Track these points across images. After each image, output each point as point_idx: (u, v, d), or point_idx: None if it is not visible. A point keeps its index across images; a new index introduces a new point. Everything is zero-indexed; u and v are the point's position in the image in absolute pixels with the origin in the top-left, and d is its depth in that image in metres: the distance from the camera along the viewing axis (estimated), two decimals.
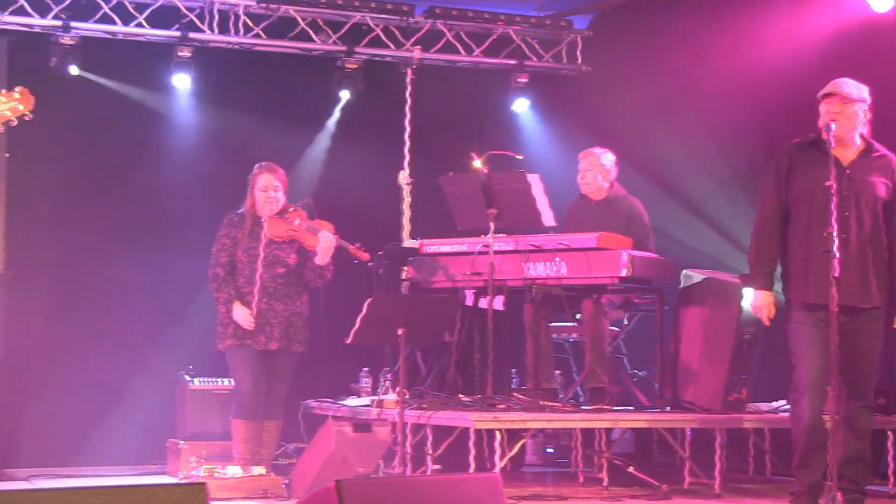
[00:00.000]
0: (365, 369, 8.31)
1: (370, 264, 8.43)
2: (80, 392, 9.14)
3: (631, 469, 7.37)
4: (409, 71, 8.84)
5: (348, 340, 7.15)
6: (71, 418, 9.09)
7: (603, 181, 8.17)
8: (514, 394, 7.80)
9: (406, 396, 7.15)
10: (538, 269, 7.77)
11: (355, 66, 9.88)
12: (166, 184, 9.55)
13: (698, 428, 7.55)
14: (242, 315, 7.35)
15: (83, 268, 9.36)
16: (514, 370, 8.39)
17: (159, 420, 8.97)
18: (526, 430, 7.37)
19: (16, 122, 4.47)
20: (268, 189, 7.44)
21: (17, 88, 4.45)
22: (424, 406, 7.32)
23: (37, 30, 9.17)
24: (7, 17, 8.99)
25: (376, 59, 10.03)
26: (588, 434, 7.99)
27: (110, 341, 9.25)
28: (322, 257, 7.43)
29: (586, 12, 10.46)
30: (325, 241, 7.40)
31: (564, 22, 10.47)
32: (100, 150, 9.47)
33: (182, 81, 9.48)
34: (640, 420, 7.70)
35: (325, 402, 8.20)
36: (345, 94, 9.97)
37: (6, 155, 9.18)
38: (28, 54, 9.21)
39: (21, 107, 4.45)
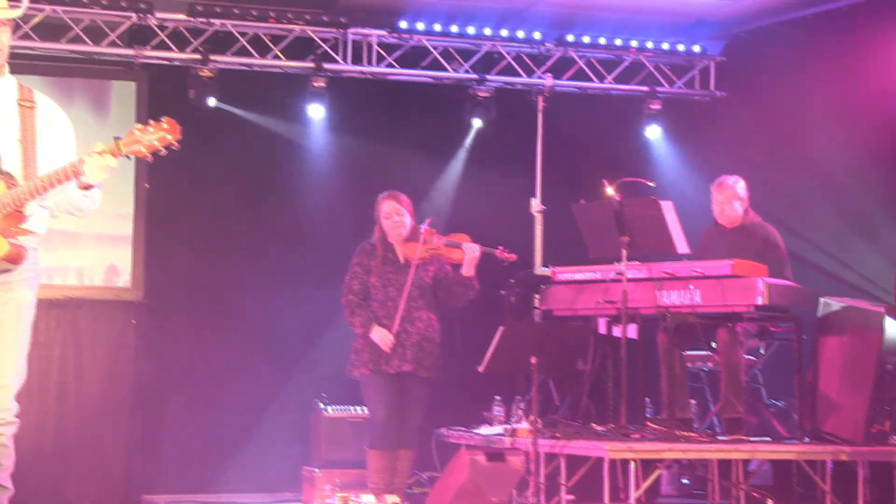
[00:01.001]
0: (498, 398, 8.28)
1: (502, 292, 8.42)
2: (217, 419, 9.28)
3: (770, 502, 7.21)
4: (540, 98, 8.80)
5: (481, 369, 7.12)
6: (208, 445, 9.24)
7: (740, 209, 8.04)
8: (648, 423, 7.69)
9: (539, 425, 7.10)
10: (672, 297, 7.66)
11: (487, 94, 9.92)
12: (301, 213, 9.69)
13: (840, 460, 7.35)
14: (381, 336, 7.36)
15: (220, 296, 9.53)
16: (648, 399, 8.28)
17: (294, 448, 9.07)
18: (661, 460, 7.25)
19: (164, 152, 4.56)
20: (391, 215, 7.46)
21: (164, 119, 4.54)
22: (558, 435, 7.25)
23: (176, 63, 9.39)
24: (149, 52, 9.23)
25: (508, 86, 10.05)
26: (725, 465, 7.82)
27: (246, 369, 9.39)
28: (468, 268, 7.43)
29: (719, 38, 10.33)
30: (470, 252, 7.40)
31: (697, 48, 10.36)
32: (236, 180, 9.65)
33: (316, 111, 9.61)
34: (779, 451, 7.53)
35: (458, 430, 8.18)
36: (476, 122, 10.01)
37: (147, 185, 9.41)
38: (168, 87, 9.44)
39: (168, 136, 4.54)
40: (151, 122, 4.56)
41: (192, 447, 9.23)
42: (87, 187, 4.69)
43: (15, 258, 4.64)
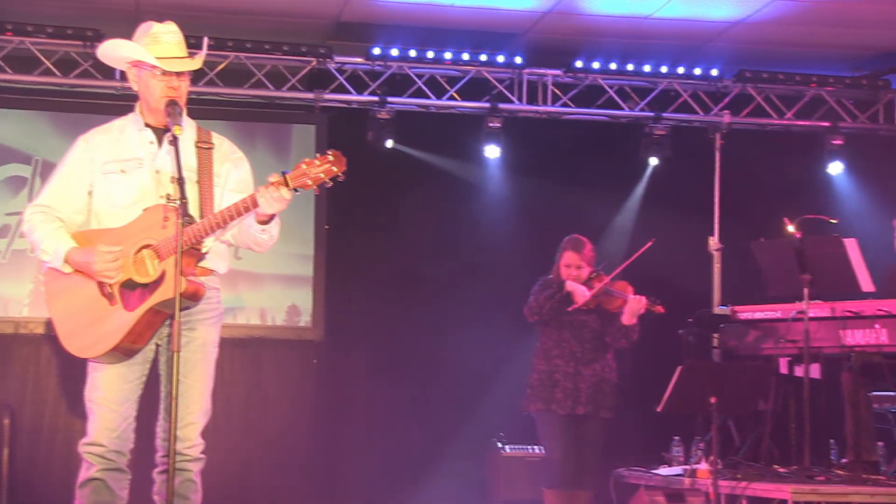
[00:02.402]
0: (677, 438, 8.16)
1: (680, 332, 8.31)
2: (395, 457, 9.36)
3: None
4: (717, 136, 8.71)
5: (659, 409, 7.04)
6: (387, 483, 9.31)
7: None
8: (833, 466, 7.48)
9: (720, 466, 6.97)
10: (856, 337, 7.46)
11: (663, 132, 9.84)
12: (477, 252, 9.74)
13: None
14: (573, 286, 7.36)
15: (398, 335, 9.63)
16: (832, 441, 8.05)
17: (472, 486, 9.08)
18: (847, 503, 7.05)
19: (330, 184, 4.64)
20: (570, 267, 7.46)
21: (330, 152, 4.62)
22: (739, 476, 7.10)
23: (355, 106, 9.57)
24: (328, 95, 9.43)
25: (684, 124, 9.95)
26: None
27: (424, 407, 9.45)
28: (629, 317, 7.37)
29: None
30: (634, 303, 7.34)
31: (881, 82, 10.09)
32: (413, 220, 9.76)
33: (492, 151, 9.67)
34: None
35: (637, 470, 8.08)
36: (652, 161, 9.93)
37: (326, 227, 9.60)
38: (346, 129, 9.62)
39: (334, 168, 4.60)
40: (318, 154, 4.64)
41: (372, 485, 9.32)
42: (264, 221, 4.79)
43: (193, 295, 4.74)
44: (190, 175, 4.90)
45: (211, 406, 5.02)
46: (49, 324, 9.05)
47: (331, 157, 4.60)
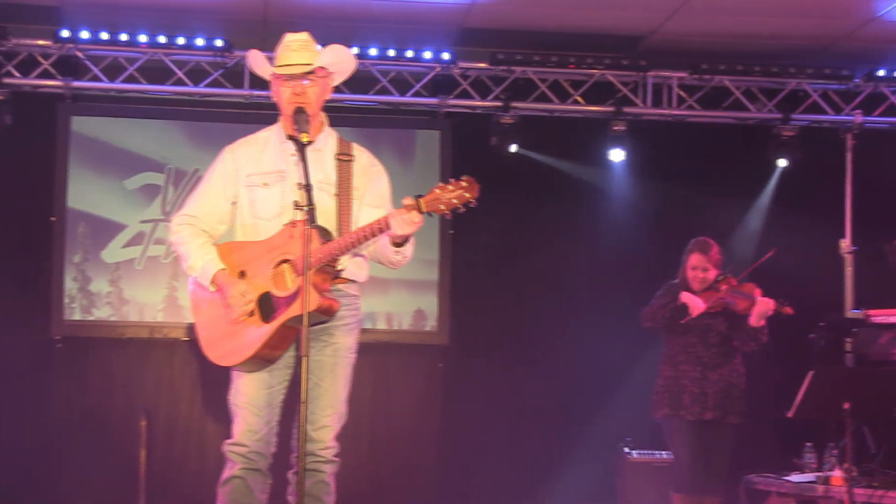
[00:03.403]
0: (809, 444, 8.01)
1: (811, 336, 8.16)
2: (520, 462, 9.36)
3: None
4: (849, 136, 8.53)
5: (790, 414, 6.92)
6: (513, 486, 9.31)
7: None
8: None
9: (854, 474, 6.83)
10: None
11: (792, 134, 9.68)
12: (602, 256, 9.69)
13: None
14: (688, 297, 7.31)
15: (523, 339, 9.63)
16: None
17: (599, 490, 9.03)
18: None
19: (462, 210, 4.65)
20: (697, 269, 7.39)
21: (464, 177, 4.63)
22: (875, 485, 6.96)
23: (478, 111, 9.59)
24: (452, 101, 9.48)
25: (814, 125, 9.77)
26: None
27: (550, 411, 9.43)
28: (757, 319, 7.27)
29: None
30: (762, 305, 7.24)
31: None
32: (538, 225, 9.75)
33: (617, 155, 9.61)
34: None
35: (768, 477, 7.95)
36: (781, 162, 9.77)
37: (451, 232, 9.64)
38: (470, 135, 9.65)
39: (467, 195, 4.62)
40: (452, 180, 4.64)
41: (498, 489, 9.33)
42: (398, 242, 4.82)
43: (327, 310, 4.79)
44: (329, 188, 4.99)
45: (346, 410, 5.09)
46: (184, 328, 9.27)
47: (464, 184, 4.62)
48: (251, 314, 4.90)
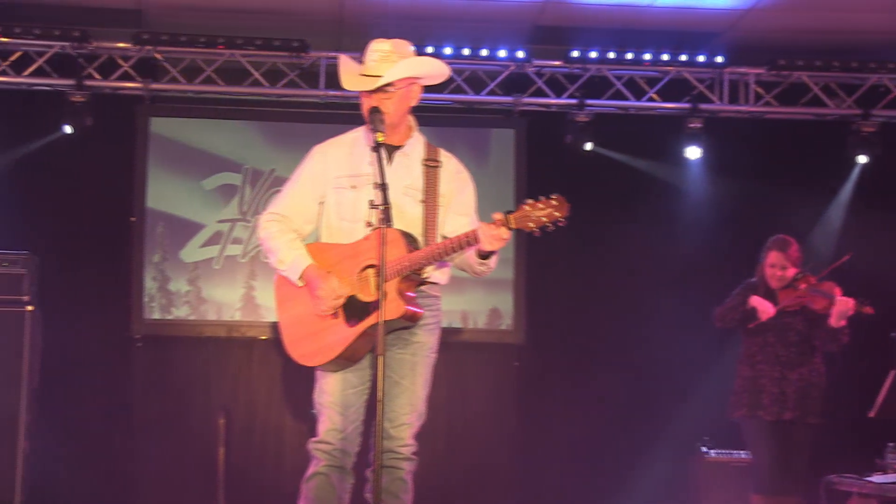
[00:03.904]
0: (891, 444, 7.89)
1: (893, 335, 8.05)
2: (596, 461, 9.33)
3: None
4: None
5: (872, 414, 6.84)
6: (589, 485, 9.27)
7: None
8: None
9: None
10: None
11: (872, 130, 9.54)
12: (678, 254, 9.63)
13: None
14: (758, 301, 7.24)
15: (599, 338, 9.59)
16: None
17: (676, 490, 8.97)
18: None
19: (551, 228, 4.64)
20: (775, 267, 7.32)
21: (554, 196, 4.62)
22: None
23: (553, 109, 9.57)
24: (527, 99, 9.47)
25: (895, 121, 9.63)
26: None
27: (625, 410, 9.39)
28: (837, 319, 7.18)
29: None
30: (842, 304, 7.16)
31: None
32: (612, 224, 9.70)
33: (693, 152, 9.54)
34: None
35: (849, 478, 7.83)
36: (861, 159, 9.63)
37: None
38: (545, 133, 9.64)
39: (556, 213, 4.61)
40: (542, 198, 4.64)
41: (573, 488, 9.30)
42: (484, 255, 4.83)
43: (411, 318, 4.81)
44: (415, 194, 5.00)
45: (425, 410, 5.11)
46: (261, 327, 9.35)
47: (554, 202, 4.63)
48: (336, 315, 4.93)
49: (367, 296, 4.86)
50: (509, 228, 4.65)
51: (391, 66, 4.91)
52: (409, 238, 4.83)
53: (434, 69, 5.10)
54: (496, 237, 4.67)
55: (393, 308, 4.71)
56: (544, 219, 4.61)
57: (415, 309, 4.81)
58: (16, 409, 8.20)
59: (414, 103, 5.07)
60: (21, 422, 8.21)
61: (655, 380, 9.41)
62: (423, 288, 5.00)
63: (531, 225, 4.63)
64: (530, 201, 4.66)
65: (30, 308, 8.38)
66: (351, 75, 4.99)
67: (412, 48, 5.05)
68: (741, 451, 8.42)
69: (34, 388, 8.36)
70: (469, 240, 4.72)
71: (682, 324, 9.22)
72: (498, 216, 4.66)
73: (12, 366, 8.23)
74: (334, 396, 5.05)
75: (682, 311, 9.26)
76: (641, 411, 9.39)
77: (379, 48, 4.95)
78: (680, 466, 9.02)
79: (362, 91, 4.96)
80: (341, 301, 4.88)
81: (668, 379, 9.39)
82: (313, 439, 5.11)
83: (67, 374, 9.04)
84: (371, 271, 4.86)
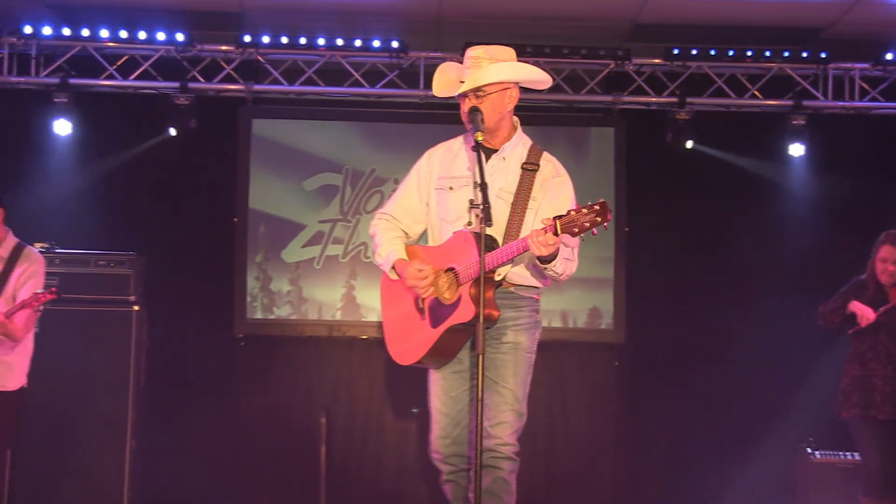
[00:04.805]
0: None
1: None
2: (698, 459, 9.24)
3: None
4: None
5: None
6: (691, 485, 9.19)
7: None
8: None
9: None
10: None
11: None
12: (781, 252, 9.50)
13: None
14: (858, 307, 7.12)
15: (700, 338, 9.49)
16: None
17: (781, 491, 8.86)
18: None
19: (595, 233, 4.66)
20: (886, 262, 7.18)
21: (598, 202, 4.65)
22: None
23: (653, 107, 9.50)
24: (626, 97, 9.41)
25: None
26: None
27: (728, 412, 9.30)
28: None
29: None
30: None
31: None
32: (714, 221, 9.63)
33: (796, 150, 9.40)
34: None
35: None
36: None
37: (626, 229, 9.57)
38: (645, 131, 9.58)
39: (599, 219, 4.64)
40: (589, 203, 4.67)
41: (675, 486, 9.23)
42: (543, 260, 4.85)
43: (486, 318, 4.82)
44: (506, 196, 5.09)
45: (526, 410, 5.16)
46: (362, 327, 9.43)
47: (597, 208, 4.65)
48: (422, 316, 5.08)
49: (447, 298, 5.01)
50: (555, 233, 4.68)
51: (479, 73, 5.03)
52: (488, 241, 4.86)
53: (528, 75, 5.18)
54: (543, 242, 4.70)
55: (464, 311, 4.89)
56: (587, 224, 4.64)
57: (489, 308, 4.86)
58: (123, 407, 8.36)
59: (510, 108, 5.15)
60: (129, 420, 8.37)
61: (758, 379, 9.31)
62: (512, 289, 5.11)
63: (576, 230, 4.65)
64: (577, 206, 4.70)
65: (136, 308, 8.53)
66: (443, 81, 5.16)
67: (510, 53, 5.14)
68: (848, 453, 8.28)
69: (140, 386, 8.51)
70: (525, 245, 4.78)
71: (785, 322, 9.12)
72: (546, 221, 4.71)
73: (119, 365, 8.39)
74: (440, 400, 5.22)
75: (786, 309, 9.16)
76: (744, 411, 9.29)
77: (472, 54, 5.09)
78: (784, 468, 8.90)
79: (459, 96, 5.10)
80: (430, 279, 5.00)
81: (771, 378, 9.28)
82: (430, 448, 5.29)
83: (172, 372, 9.20)
84: (450, 274, 5.01)
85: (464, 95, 5.05)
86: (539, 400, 9.20)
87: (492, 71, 5.02)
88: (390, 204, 5.38)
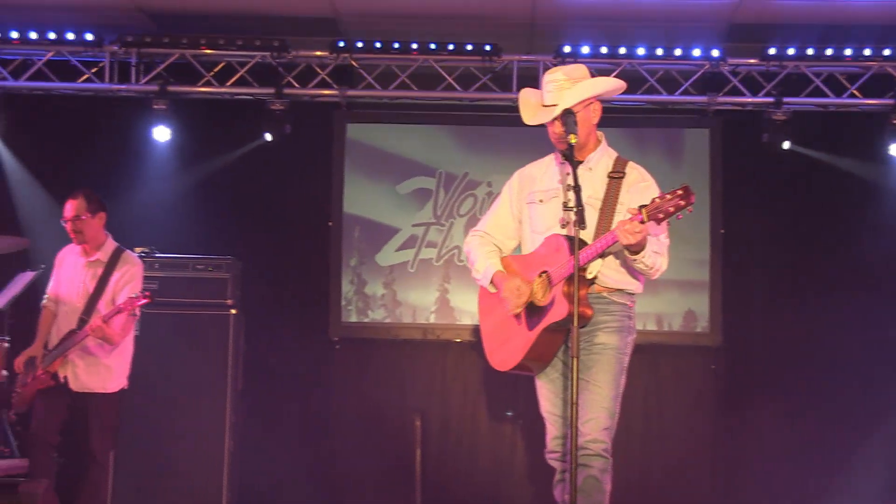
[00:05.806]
0: None
1: None
2: (798, 461, 9.14)
3: None
4: None
5: None
6: (787, 490, 9.07)
7: None
8: None
9: None
10: None
11: None
12: (882, 254, 9.33)
13: None
14: None
15: (799, 341, 9.37)
16: None
17: (886, 497, 8.73)
18: None
19: (681, 217, 4.74)
20: None
21: (681, 187, 4.77)
22: None
23: (749, 108, 9.39)
24: (722, 98, 9.31)
25: None
26: None
27: (826, 412, 9.18)
28: None
29: None
30: None
31: None
32: (812, 223, 9.51)
33: (894, 149, 9.23)
34: None
35: None
36: None
37: (722, 231, 9.48)
38: (740, 132, 9.49)
39: (682, 202, 4.79)
40: (672, 189, 4.80)
41: (773, 494, 9.13)
42: (632, 251, 4.98)
43: (581, 317, 4.97)
44: (595, 202, 5.23)
45: (618, 410, 5.26)
46: (456, 330, 9.46)
47: (680, 192, 4.79)
48: (518, 321, 5.26)
49: (541, 301, 5.16)
50: (641, 221, 4.82)
51: (558, 96, 5.23)
52: (575, 243, 4.94)
53: (608, 86, 5.40)
54: (630, 231, 4.85)
55: (558, 310, 5.05)
56: (671, 209, 4.79)
57: (582, 307, 4.97)
58: (221, 410, 8.47)
59: (595, 121, 5.37)
60: (226, 422, 8.47)
61: (860, 380, 9.17)
62: (605, 294, 5.25)
63: (661, 216, 4.80)
64: (661, 193, 4.87)
65: (233, 311, 8.64)
66: (530, 109, 5.35)
67: (584, 69, 5.39)
68: None
69: (238, 389, 8.62)
70: (614, 237, 4.94)
71: (886, 324, 8.97)
72: (632, 210, 4.87)
73: (217, 368, 8.51)
74: (549, 403, 5.38)
75: (886, 312, 9.01)
76: (845, 412, 9.15)
77: (552, 78, 5.29)
78: (889, 472, 8.75)
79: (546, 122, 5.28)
80: (525, 298, 5.21)
81: (874, 379, 9.14)
82: (545, 450, 5.44)
83: (269, 375, 9.29)
84: (543, 277, 5.17)
85: (554, 119, 5.21)
86: (635, 403, 9.19)
87: (577, 90, 5.23)
88: (484, 222, 5.63)
